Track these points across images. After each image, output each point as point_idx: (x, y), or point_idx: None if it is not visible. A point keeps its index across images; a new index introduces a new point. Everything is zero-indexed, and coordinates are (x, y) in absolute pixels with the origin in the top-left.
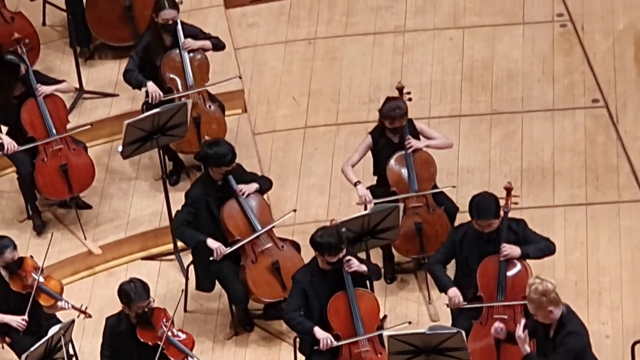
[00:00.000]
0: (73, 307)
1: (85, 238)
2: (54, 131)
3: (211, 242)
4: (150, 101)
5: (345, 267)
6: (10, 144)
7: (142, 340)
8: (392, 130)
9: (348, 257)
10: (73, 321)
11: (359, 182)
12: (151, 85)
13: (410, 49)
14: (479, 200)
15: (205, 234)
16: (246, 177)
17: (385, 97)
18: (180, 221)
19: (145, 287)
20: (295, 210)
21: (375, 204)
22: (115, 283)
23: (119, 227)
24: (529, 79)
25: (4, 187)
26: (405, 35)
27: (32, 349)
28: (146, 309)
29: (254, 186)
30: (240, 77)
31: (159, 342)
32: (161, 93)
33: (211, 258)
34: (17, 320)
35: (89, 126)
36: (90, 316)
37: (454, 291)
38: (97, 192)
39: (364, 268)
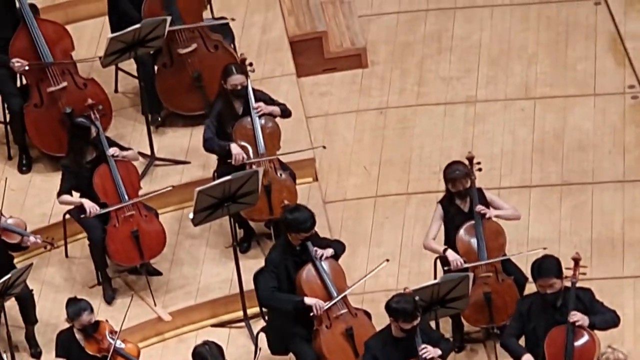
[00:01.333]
0: None
1: (155, 304)
2: (126, 197)
3: (309, 300)
4: (234, 162)
5: None
6: (92, 207)
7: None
8: (458, 195)
9: None
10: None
11: (446, 248)
12: (235, 147)
13: (482, 119)
14: (540, 261)
15: None
16: (321, 242)
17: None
18: (266, 287)
19: (220, 350)
20: (388, 260)
21: (444, 272)
22: (185, 350)
23: (189, 293)
24: (599, 150)
25: (74, 253)
26: (477, 106)
27: None
28: None
29: (330, 251)
30: (324, 147)
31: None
32: (245, 155)
33: (311, 314)
34: None
35: (170, 188)
36: None
37: (528, 357)
38: (167, 258)
39: (438, 352)
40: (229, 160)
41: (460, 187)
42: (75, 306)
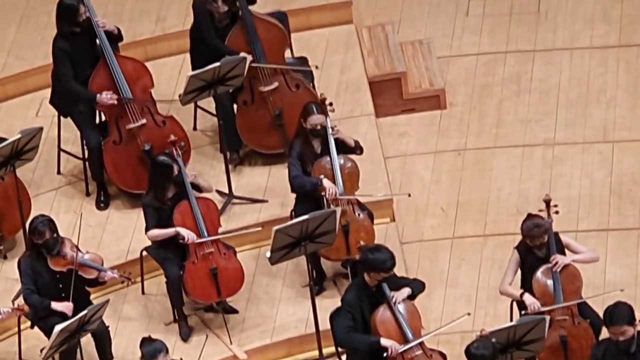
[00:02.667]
0: None
1: (231, 343)
2: (206, 234)
3: (385, 341)
4: (327, 196)
5: None
6: (189, 234)
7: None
8: (535, 247)
9: None
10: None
11: (523, 292)
12: (327, 181)
13: (559, 161)
14: (612, 309)
15: None
16: (398, 281)
17: (533, 209)
18: (342, 327)
19: None
20: (469, 314)
21: (520, 315)
22: None
23: (265, 332)
24: None
25: (151, 289)
26: (555, 148)
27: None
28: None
29: (406, 292)
30: (409, 195)
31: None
32: (337, 189)
33: (385, 354)
34: None
35: (259, 228)
36: None
37: None
38: (244, 297)
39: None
40: (322, 194)
41: (537, 242)
42: (151, 347)
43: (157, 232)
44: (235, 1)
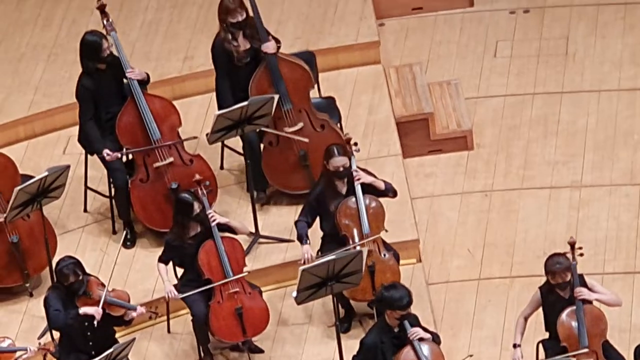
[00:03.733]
0: None
1: None
2: (231, 274)
3: None
4: (301, 262)
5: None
6: (169, 292)
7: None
8: (557, 286)
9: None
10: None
11: (515, 345)
12: (305, 247)
13: (586, 204)
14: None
15: None
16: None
17: (559, 251)
18: None
19: None
20: (471, 356)
21: (546, 356)
22: None
23: None
24: None
25: (177, 328)
26: (582, 190)
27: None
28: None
29: (428, 334)
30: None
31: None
32: (311, 256)
33: None
34: None
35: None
36: None
37: None
38: (269, 336)
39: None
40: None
41: (559, 280)
42: None
43: (160, 268)
44: (257, 38)
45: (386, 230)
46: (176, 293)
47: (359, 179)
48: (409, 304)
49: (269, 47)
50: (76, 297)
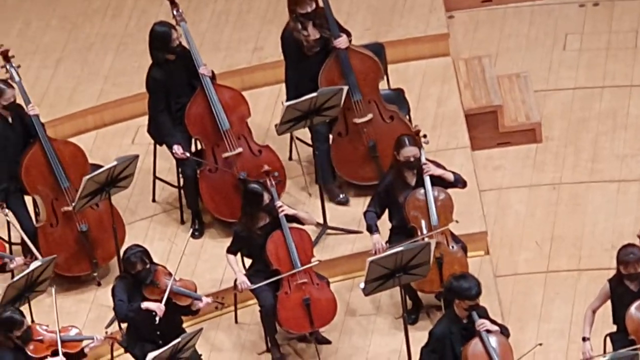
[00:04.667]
0: None
1: None
2: (299, 264)
3: None
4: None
5: None
6: (242, 283)
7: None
8: (628, 277)
9: None
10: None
11: (584, 338)
12: (376, 237)
13: None
14: None
15: None
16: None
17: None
18: None
19: None
20: (541, 344)
21: (614, 348)
22: None
23: None
24: None
25: (244, 319)
26: None
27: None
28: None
29: (495, 327)
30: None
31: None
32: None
33: None
34: None
35: (316, 262)
36: None
37: None
38: (336, 327)
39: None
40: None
41: (632, 270)
42: None
43: (229, 259)
44: (327, 28)
45: (457, 222)
46: (249, 283)
47: (428, 172)
48: (478, 295)
49: (341, 42)
50: (143, 286)
